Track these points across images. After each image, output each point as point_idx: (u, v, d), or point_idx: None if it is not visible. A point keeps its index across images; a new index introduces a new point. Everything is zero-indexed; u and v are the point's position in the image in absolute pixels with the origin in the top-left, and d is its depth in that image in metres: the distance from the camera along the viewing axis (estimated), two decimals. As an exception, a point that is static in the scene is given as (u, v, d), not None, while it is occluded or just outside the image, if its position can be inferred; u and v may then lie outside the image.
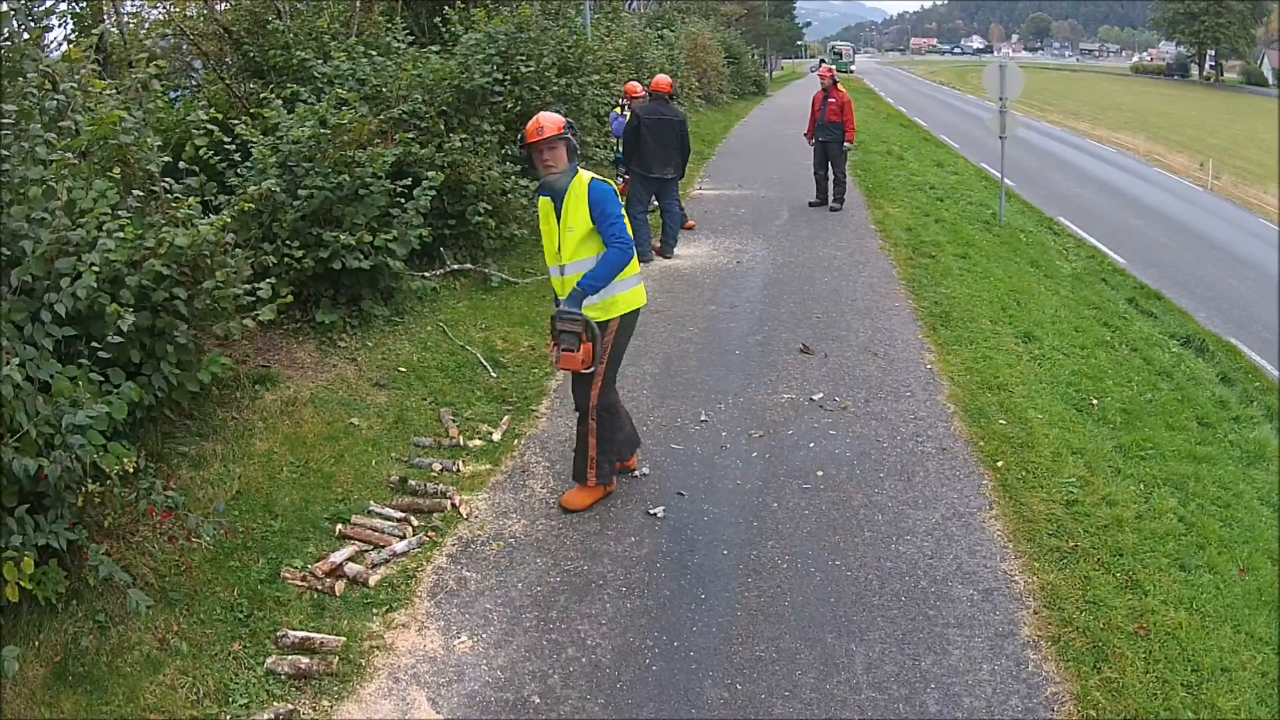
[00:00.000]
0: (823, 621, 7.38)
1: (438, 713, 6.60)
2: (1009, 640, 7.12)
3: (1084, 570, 7.99)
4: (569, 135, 8.51)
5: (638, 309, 8.92)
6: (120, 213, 8.92)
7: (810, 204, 23.80)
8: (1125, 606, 7.55)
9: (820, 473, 9.71)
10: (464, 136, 16.23)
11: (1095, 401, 11.99)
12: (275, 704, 6.60)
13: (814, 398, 11.51)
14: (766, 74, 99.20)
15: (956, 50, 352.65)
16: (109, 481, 7.15)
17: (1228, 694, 6.74)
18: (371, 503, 9.27)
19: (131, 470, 7.28)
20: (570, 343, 8.34)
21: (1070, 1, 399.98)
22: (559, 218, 8.62)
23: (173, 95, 15.92)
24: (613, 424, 8.98)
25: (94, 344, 7.81)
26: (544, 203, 8.82)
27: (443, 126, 16.34)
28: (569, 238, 8.51)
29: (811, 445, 10.32)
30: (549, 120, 8.48)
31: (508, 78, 18.51)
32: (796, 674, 6.82)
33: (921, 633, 7.21)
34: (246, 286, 10.01)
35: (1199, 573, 8.24)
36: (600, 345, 8.58)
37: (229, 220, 10.14)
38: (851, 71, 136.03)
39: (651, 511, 8.99)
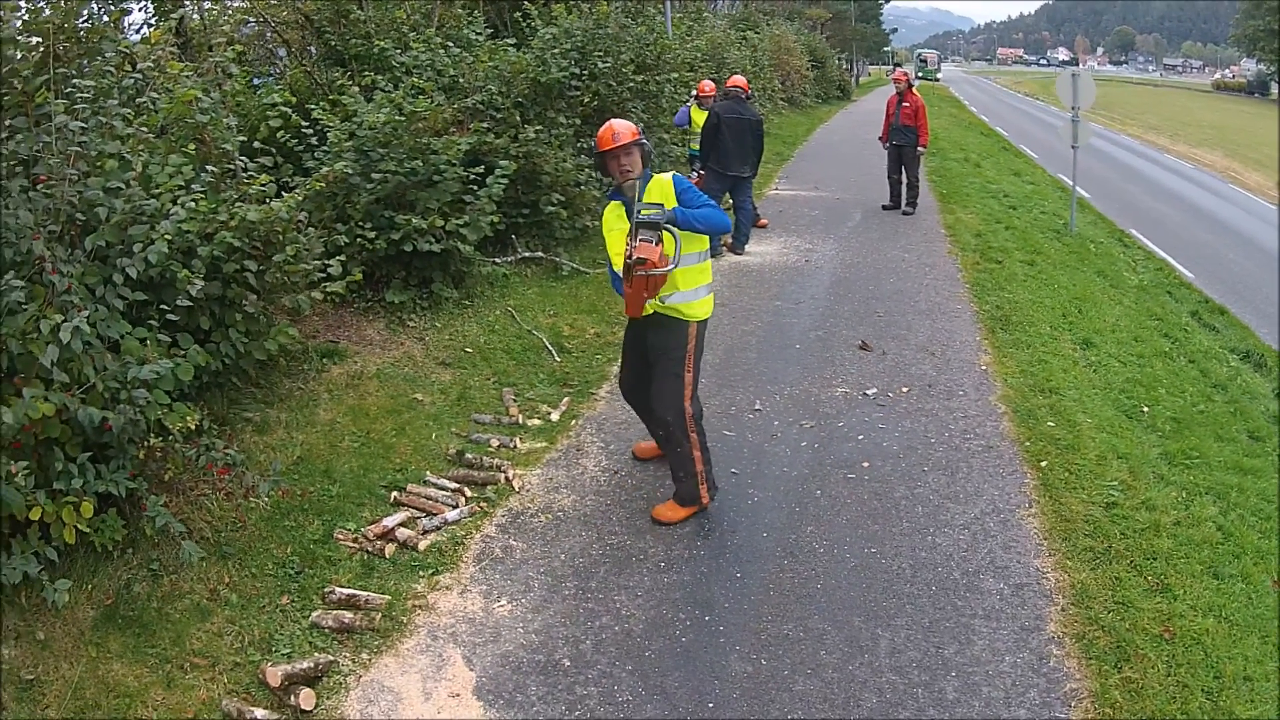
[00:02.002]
0: (852, 605, 7.54)
1: (471, 670, 6.85)
2: (1034, 635, 7.22)
3: (1116, 571, 8.04)
4: (644, 141, 8.54)
5: (706, 319, 8.88)
6: (194, 187, 9.23)
7: (884, 207, 23.84)
8: (1153, 609, 7.60)
9: (866, 464, 9.86)
10: (539, 128, 16.46)
11: (1146, 409, 12.01)
12: (317, 654, 6.89)
13: (868, 392, 11.65)
14: (852, 79, 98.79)
15: (1042, 61, 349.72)
16: (171, 437, 7.44)
17: (1248, 702, 6.76)
18: (428, 473, 9.56)
19: (194, 428, 7.57)
20: (649, 235, 7.99)
21: (1162, 2, 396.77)
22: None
23: (256, 82, 16.23)
24: (704, 430, 9.01)
25: (163, 307, 8.11)
26: (614, 208, 8.69)
27: (518, 118, 16.57)
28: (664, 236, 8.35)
29: (860, 438, 10.46)
30: (623, 127, 8.50)
31: (584, 73, 18.77)
32: (821, 653, 6.99)
33: (948, 622, 7.34)
34: (317, 263, 10.30)
35: (1232, 581, 8.23)
36: (687, 347, 8.60)
37: (302, 199, 10.41)
38: (938, 79, 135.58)
39: (698, 493, 9.13)
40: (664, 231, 8.05)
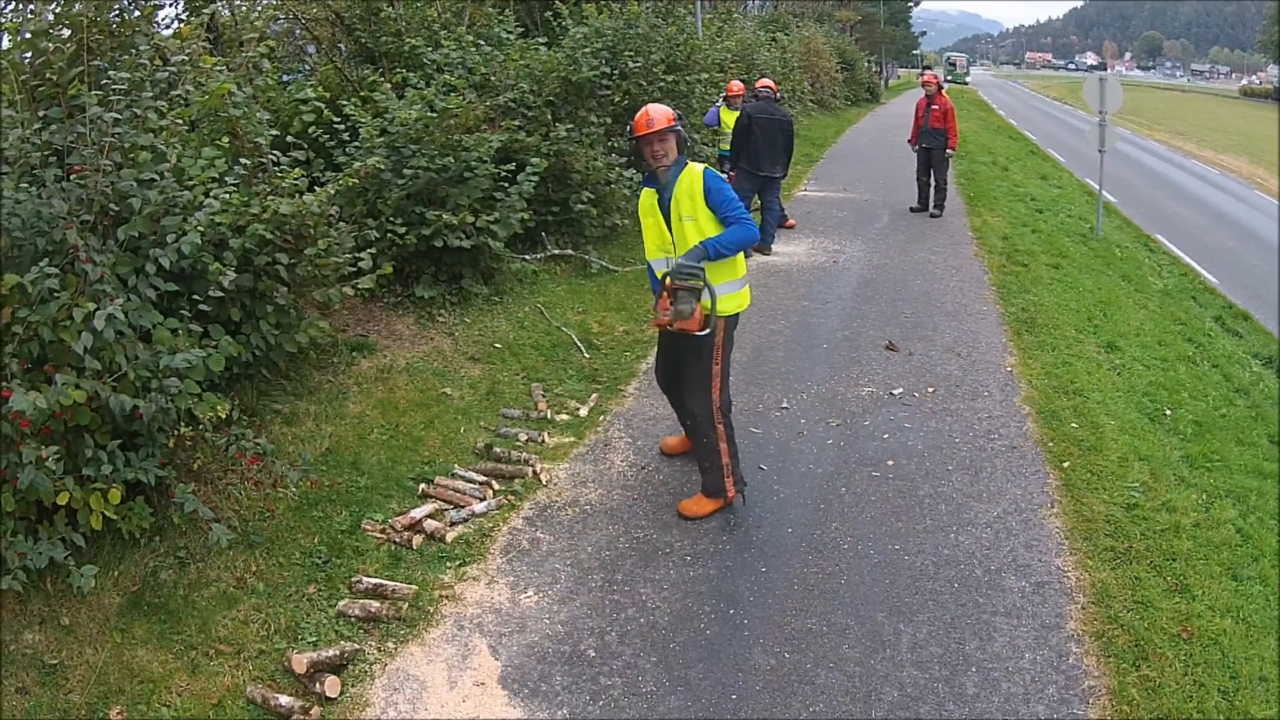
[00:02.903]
0: (875, 601, 7.58)
1: (496, 660, 6.92)
2: (1054, 633, 7.25)
3: (1136, 571, 8.07)
4: (679, 128, 8.54)
5: (739, 313, 8.91)
6: (227, 180, 9.33)
7: (911, 209, 23.88)
8: (1172, 609, 7.62)
9: (891, 462, 9.90)
10: (570, 127, 16.56)
11: (1169, 412, 12.03)
12: (343, 643, 6.96)
13: (894, 392, 11.71)
14: (881, 82, 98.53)
15: (1071, 66, 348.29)
16: (201, 426, 7.54)
17: (1263, 703, 6.77)
18: (456, 466, 9.64)
19: (224, 418, 7.66)
20: (688, 301, 8.25)
21: (1191, 3, 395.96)
22: (667, 210, 8.59)
23: (285, 79, 16.33)
24: (732, 423, 9.04)
25: (195, 298, 8.21)
26: (648, 194, 8.78)
27: (549, 116, 16.66)
28: (688, 228, 8.47)
29: (886, 436, 10.51)
30: (659, 112, 8.50)
31: (615, 72, 18.85)
32: (844, 648, 7.04)
33: (969, 619, 7.37)
34: (348, 257, 10.40)
35: (1250, 583, 8.24)
36: (715, 340, 8.59)
37: (334, 193, 10.50)
38: (967, 83, 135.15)
39: (724, 489, 9.19)
40: (700, 286, 8.27)
